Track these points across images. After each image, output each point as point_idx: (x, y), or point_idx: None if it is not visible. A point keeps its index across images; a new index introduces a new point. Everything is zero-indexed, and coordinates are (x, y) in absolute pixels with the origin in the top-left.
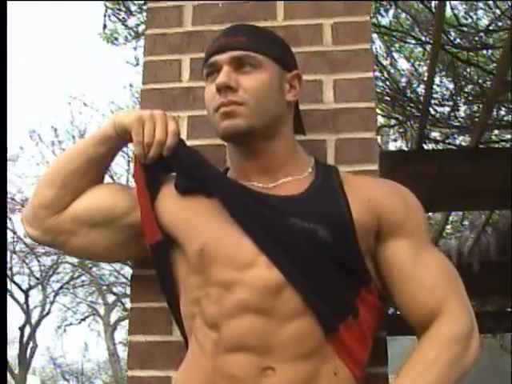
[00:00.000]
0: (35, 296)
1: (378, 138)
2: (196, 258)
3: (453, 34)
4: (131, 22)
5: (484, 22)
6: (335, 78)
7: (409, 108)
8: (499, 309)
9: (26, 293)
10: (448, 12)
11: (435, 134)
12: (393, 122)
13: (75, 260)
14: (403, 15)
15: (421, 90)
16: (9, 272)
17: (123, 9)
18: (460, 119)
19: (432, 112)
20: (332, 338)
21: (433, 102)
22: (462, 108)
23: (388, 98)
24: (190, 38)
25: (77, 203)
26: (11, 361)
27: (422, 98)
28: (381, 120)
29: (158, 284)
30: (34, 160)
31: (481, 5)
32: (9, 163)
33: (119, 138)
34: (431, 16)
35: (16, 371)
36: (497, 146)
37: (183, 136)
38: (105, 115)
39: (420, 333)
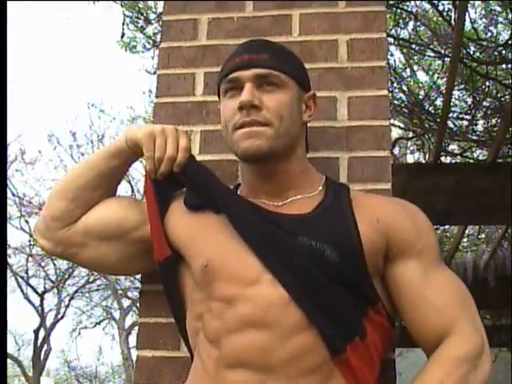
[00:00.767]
0: (50, 299)
1: (396, 149)
2: (200, 273)
3: (472, 47)
4: (149, 30)
5: (504, 36)
6: (350, 95)
7: (427, 121)
8: None
9: (42, 296)
10: (467, 26)
11: (453, 147)
12: (410, 134)
13: (94, 272)
14: (422, 28)
15: (439, 102)
16: (24, 275)
17: (142, 17)
18: (478, 133)
19: (450, 125)
20: (338, 360)
21: (451, 115)
22: (480, 122)
23: (406, 111)
24: (205, 51)
25: (88, 216)
26: (25, 363)
27: (440, 111)
28: (399, 132)
29: (166, 299)
30: (51, 164)
31: (500, 19)
32: (27, 166)
33: (131, 152)
34: (450, 29)
35: (30, 373)
36: None
37: (196, 150)
38: (123, 121)
39: (429, 353)
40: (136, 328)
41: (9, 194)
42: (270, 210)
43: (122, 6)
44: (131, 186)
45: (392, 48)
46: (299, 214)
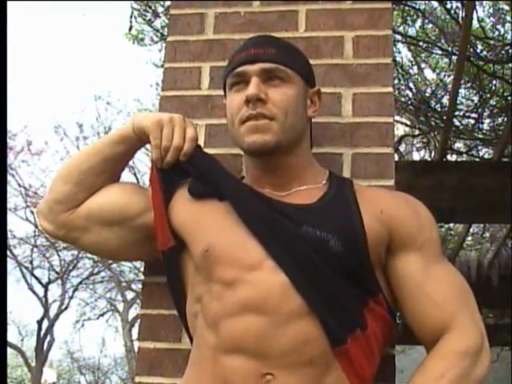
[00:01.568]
0: (54, 290)
1: (402, 146)
2: (201, 258)
3: (479, 46)
4: (157, 23)
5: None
6: (354, 92)
7: (433, 118)
8: None
9: (46, 287)
10: (475, 24)
11: (459, 146)
12: (416, 131)
13: (95, 256)
14: (430, 26)
15: (445, 100)
16: (29, 265)
17: (150, 10)
18: (484, 131)
19: (456, 123)
20: (338, 351)
21: (457, 113)
22: (486, 121)
23: (412, 108)
24: (211, 46)
25: (91, 201)
26: (28, 353)
27: (446, 109)
28: (405, 129)
29: (167, 291)
30: (58, 155)
31: (508, 18)
32: (33, 157)
33: (137, 139)
34: (458, 28)
35: (33, 364)
36: None
37: (200, 144)
38: (130, 113)
39: (429, 347)
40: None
41: (15, 185)
42: (274, 199)
43: None
44: (136, 179)
45: (399, 45)
46: (304, 204)
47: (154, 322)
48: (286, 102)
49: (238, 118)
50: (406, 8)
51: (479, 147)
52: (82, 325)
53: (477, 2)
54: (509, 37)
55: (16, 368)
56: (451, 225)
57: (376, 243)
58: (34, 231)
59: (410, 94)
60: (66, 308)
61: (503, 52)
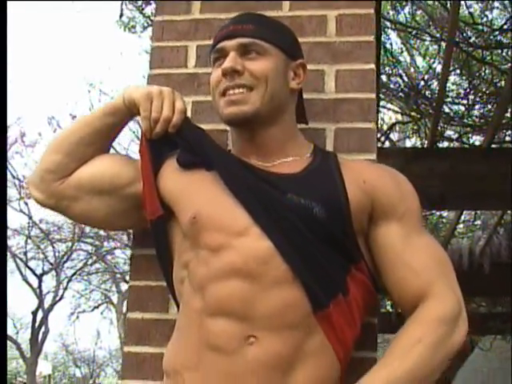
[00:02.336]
0: (49, 281)
1: (396, 134)
2: (188, 225)
3: (468, 32)
4: (149, 10)
5: (499, 21)
6: (337, 69)
7: (423, 105)
8: (510, 310)
9: (40, 278)
10: (464, 10)
11: (450, 133)
12: (407, 118)
13: (89, 247)
14: (419, 12)
15: (435, 87)
16: (23, 256)
17: None
18: (474, 118)
19: (446, 110)
20: (321, 315)
21: (447, 100)
22: (476, 107)
23: (402, 95)
24: (198, 25)
25: (81, 170)
26: (23, 346)
27: (436, 96)
28: (397, 117)
29: (155, 263)
30: None
31: (496, 4)
32: (27, 149)
33: (127, 111)
34: (446, 13)
35: (28, 355)
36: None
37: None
38: None
39: (408, 314)
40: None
41: (8, 177)
42: (260, 168)
43: None
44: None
45: (389, 32)
46: (289, 173)
47: (142, 294)
48: (262, 72)
49: (217, 91)
50: None
51: (469, 134)
52: (77, 317)
53: None
54: (497, 23)
55: (11, 360)
56: (443, 213)
57: (358, 212)
58: (29, 222)
59: (400, 81)
60: (60, 299)
61: (492, 38)
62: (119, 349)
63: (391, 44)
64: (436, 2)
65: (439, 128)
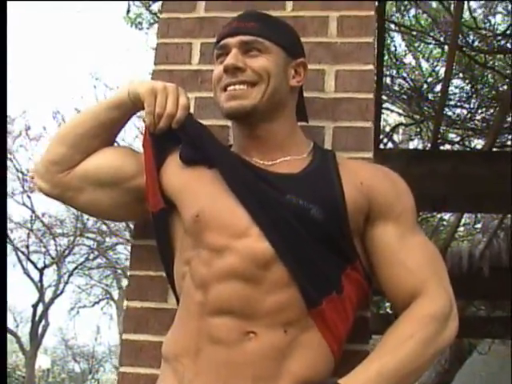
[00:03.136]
0: (50, 275)
1: (399, 136)
2: (191, 223)
3: (471, 36)
4: (155, 7)
5: (503, 26)
6: (337, 69)
7: (426, 108)
8: (509, 314)
9: (41, 271)
10: (467, 14)
11: (451, 135)
12: (410, 121)
13: (91, 242)
14: (424, 15)
15: (438, 90)
16: (25, 250)
17: None
18: (476, 122)
19: (449, 113)
20: (314, 312)
21: (449, 103)
22: (479, 111)
23: (405, 97)
24: (202, 23)
25: (86, 162)
26: (23, 340)
27: (438, 99)
28: (400, 119)
29: (156, 254)
30: None
31: (500, 9)
32: (31, 142)
33: (132, 105)
34: (450, 17)
35: (27, 348)
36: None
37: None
38: None
39: (401, 311)
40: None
41: (12, 170)
42: (261, 168)
43: None
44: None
45: (393, 34)
46: (288, 174)
47: (142, 283)
48: (263, 69)
49: (218, 86)
50: None
51: (471, 137)
52: (77, 312)
53: None
54: (500, 28)
55: (10, 354)
56: (444, 216)
57: (355, 212)
58: (31, 216)
59: (404, 83)
60: (61, 293)
61: (495, 42)
62: (119, 345)
63: (395, 46)
64: (440, 6)
65: (441, 131)
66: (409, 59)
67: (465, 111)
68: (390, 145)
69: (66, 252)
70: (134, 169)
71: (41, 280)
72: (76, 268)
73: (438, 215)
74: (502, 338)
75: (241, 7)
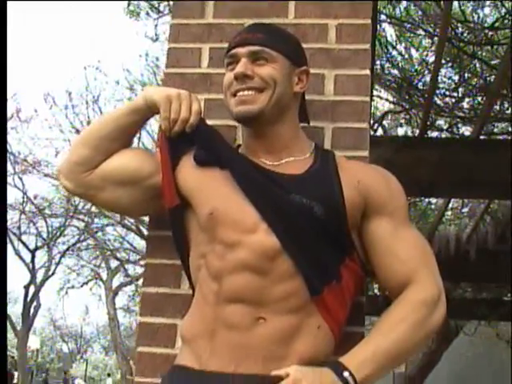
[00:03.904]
0: (41, 257)
1: (388, 122)
2: (206, 219)
3: (460, 28)
4: None
5: (490, 19)
6: (336, 74)
7: (415, 96)
8: (495, 297)
9: (33, 253)
10: (456, 7)
11: (440, 123)
12: (399, 108)
13: (82, 224)
14: (414, 7)
15: (428, 79)
16: (17, 231)
17: None
18: (464, 110)
19: (437, 102)
20: (316, 298)
21: (438, 92)
22: (466, 100)
23: (395, 86)
24: (211, 29)
25: (107, 163)
26: (14, 319)
27: (427, 88)
28: (390, 106)
29: (170, 243)
30: (46, 123)
31: (487, 2)
32: (22, 124)
33: (148, 110)
34: (440, 10)
35: (19, 328)
36: (498, 137)
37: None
38: (119, 83)
39: (394, 297)
40: (123, 289)
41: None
42: (268, 169)
43: None
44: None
45: (384, 25)
46: (293, 174)
47: (157, 270)
48: (270, 76)
49: (229, 92)
50: None
51: (459, 125)
52: (66, 292)
53: None
54: (488, 20)
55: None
56: (432, 200)
57: (353, 210)
58: (23, 197)
59: (394, 72)
60: (52, 274)
61: (482, 35)
62: (107, 325)
63: (386, 37)
64: None
65: (430, 119)
66: (399, 49)
67: (453, 100)
68: (380, 130)
69: (58, 234)
70: (151, 168)
71: (32, 261)
72: (68, 249)
73: (426, 199)
74: (487, 320)
75: (247, 14)
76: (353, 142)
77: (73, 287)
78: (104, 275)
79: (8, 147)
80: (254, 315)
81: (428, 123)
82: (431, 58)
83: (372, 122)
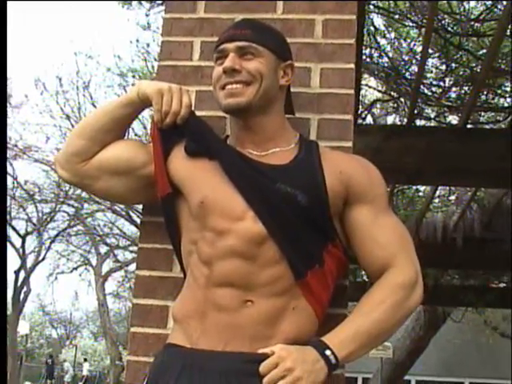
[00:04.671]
0: (31, 242)
1: (378, 110)
2: (197, 208)
3: (447, 20)
4: None
5: (477, 10)
6: (322, 67)
7: (403, 85)
8: (482, 283)
9: (23, 238)
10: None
11: (428, 111)
12: (388, 97)
13: (72, 209)
14: None
15: (415, 69)
16: (7, 216)
17: None
18: (450, 99)
19: (425, 91)
20: (301, 282)
21: (426, 81)
22: (453, 89)
23: (383, 75)
24: (202, 23)
25: (102, 153)
26: None
27: (415, 77)
28: (377, 95)
29: (162, 229)
30: (37, 108)
31: None
32: (13, 110)
33: (141, 103)
34: (427, 2)
35: (8, 313)
36: (484, 126)
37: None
38: (110, 69)
39: (374, 280)
40: (113, 275)
41: None
42: (254, 160)
43: None
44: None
45: (372, 15)
46: (278, 164)
47: (149, 254)
48: (257, 70)
49: (218, 85)
50: None
51: (446, 114)
52: (56, 278)
53: None
54: (474, 12)
55: None
56: (419, 187)
57: (335, 198)
58: (13, 183)
59: (382, 61)
60: (42, 259)
61: (468, 26)
62: (96, 311)
63: (374, 27)
64: None
65: (418, 107)
66: (388, 38)
67: (440, 89)
68: (369, 118)
69: (48, 219)
70: (145, 158)
71: (23, 246)
72: (58, 235)
73: (414, 187)
74: (474, 307)
75: (237, 9)
76: (337, 133)
77: (62, 273)
78: (94, 261)
79: None
80: (242, 298)
81: (416, 112)
82: (419, 48)
83: (361, 110)
